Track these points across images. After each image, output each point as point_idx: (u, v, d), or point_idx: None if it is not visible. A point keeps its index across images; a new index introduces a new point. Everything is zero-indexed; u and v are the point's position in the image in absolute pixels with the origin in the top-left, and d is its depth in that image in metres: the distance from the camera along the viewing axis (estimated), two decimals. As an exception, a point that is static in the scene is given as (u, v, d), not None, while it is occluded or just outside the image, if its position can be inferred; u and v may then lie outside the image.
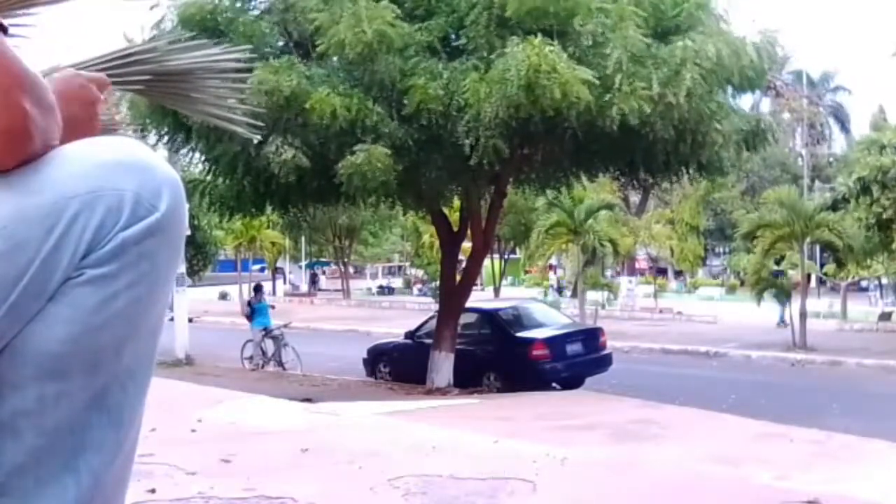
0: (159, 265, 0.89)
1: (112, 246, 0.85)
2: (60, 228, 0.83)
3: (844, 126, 50.90)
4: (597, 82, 9.45)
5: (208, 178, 12.37)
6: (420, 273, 39.43)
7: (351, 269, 41.03)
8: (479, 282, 24.37)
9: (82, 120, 1.02)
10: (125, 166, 0.87)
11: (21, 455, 0.84)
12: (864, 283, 34.01)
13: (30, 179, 0.85)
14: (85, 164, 0.87)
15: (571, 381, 13.01)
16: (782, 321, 20.99)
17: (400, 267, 47.37)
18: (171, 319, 15.05)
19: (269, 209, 13.45)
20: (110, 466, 0.89)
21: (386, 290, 41.88)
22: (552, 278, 38.47)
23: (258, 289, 18.02)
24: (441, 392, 12.10)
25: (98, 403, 0.87)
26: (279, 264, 39.10)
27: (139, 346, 0.90)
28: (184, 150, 12.11)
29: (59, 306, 0.84)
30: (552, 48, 9.32)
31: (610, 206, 24.47)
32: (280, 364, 15.73)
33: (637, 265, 39.15)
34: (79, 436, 0.86)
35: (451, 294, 13.40)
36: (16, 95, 0.84)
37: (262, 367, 15.92)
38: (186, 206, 0.93)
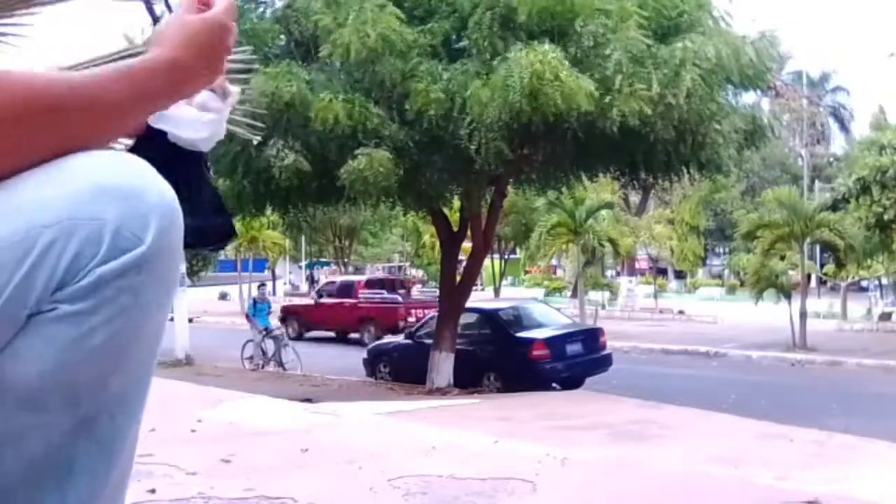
0: (143, 300, 0.82)
1: (87, 282, 0.79)
2: (33, 257, 0.78)
3: (844, 126, 50.97)
4: (596, 94, 9.45)
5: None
6: (420, 273, 39.42)
7: (351, 269, 40.99)
8: (479, 282, 24.38)
9: (203, 75, 0.95)
10: (109, 192, 0.80)
11: (4, 479, 0.82)
12: (864, 283, 33.99)
13: (5, 202, 0.80)
14: (66, 187, 0.80)
15: (571, 382, 13.01)
16: None
17: (400, 267, 47.36)
18: (171, 319, 15.07)
19: (269, 210, 13.46)
20: (100, 494, 0.86)
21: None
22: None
23: (262, 285, 18.11)
24: (441, 392, 12.10)
25: (85, 432, 0.84)
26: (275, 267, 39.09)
27: (127, 375, 0.85)
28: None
29: (32, 339, 0.79)
30: (555, 55, 9.33)
31: (610, 206, 24.48)
32: (280, 364, 15.75)
33: (637, 265, 39.13)
34: (64, 463, 0.83)
35: (452, 294, 13.40)
36: None
37: (263, 367, 15.94)
38: (181, 231, 0.85)
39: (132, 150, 1.00)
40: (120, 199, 0.80)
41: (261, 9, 11.72)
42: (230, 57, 1.01)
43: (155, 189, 0.83)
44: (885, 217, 17.74)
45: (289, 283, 43.74)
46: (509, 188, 13.98)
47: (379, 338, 17.50)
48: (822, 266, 32.79)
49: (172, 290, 0.88)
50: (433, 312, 14.52)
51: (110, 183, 0.81)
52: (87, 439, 0.84)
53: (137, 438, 0.91)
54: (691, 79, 9.62)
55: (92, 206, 0.79)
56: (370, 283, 24.39)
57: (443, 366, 12.61)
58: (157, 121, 1.02)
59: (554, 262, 35.90)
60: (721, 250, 47.44)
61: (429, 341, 13.21)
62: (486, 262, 21.97)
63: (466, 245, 14.41)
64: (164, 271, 0.84)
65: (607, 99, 9.61)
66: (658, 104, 9.65)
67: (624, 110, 9.48)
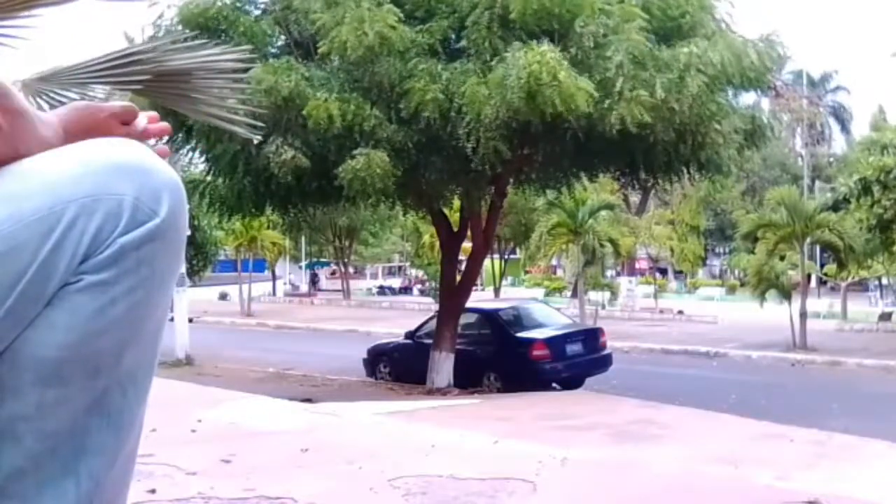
0: (159, 270, 0.87)
1: (111, 252, 0.83)
2: (58, 232, 0.82)
3: (844, 126, 50.95)
4: (596, 94, 9.43)
5: (208, 178, 12.38)
6: (420, 273, 39.39)
7: (351, 269, 40.98)
8: (479, 282, 24.36)
9: None
10: (125, 170, 0.86)
11: (21, 459, 0.84)
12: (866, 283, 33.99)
13: (27, 182, 0.84)
14: (84, 166, 0.86)
15: (571, 382, 13.01)
16: None
17: (400, 267, 47.36)
18: (171, 319, 15.05)
19: (269, 209, 13.46)
20: (110, 470, 0.88)
21: (397, 290, 41.93)
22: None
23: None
24: (441, 392, 12.11)
25: (98, 408, 0.86)
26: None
27: (140, 350, 0.89)
28: (184, 150, 12.11)
29: (58, 312, 0.83)
30: (554, 55, 9.30)
31: (611, 207, 24.46)
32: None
33: (637, 265, 39.10)
34: (79, 440, 0.86)
35: (452, 294, 13.40)
36: None
37: None
38: (187, 209, 0.91)
39: None
40: (136, 176, 0.86)
41: (259, 10, 11.72)
42: (228, 56, 1.05)
43: (164, 167, 0.89)
44: (886, 217, 17.72)
45: (289, 283, 43.75)
46: (509, 188, 13.98)
47: None
48: (822, 266, 32.78)
49: (180, 264, 0.93)
50: None
51: (126, 162, 0.87)
52: (99, 415, 0.86)
53: (144, 420, 0.93)
54: (697, 85, 9.59)
55: (111, 182, 0.84)
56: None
57: (443, 366, 12.61)
58: None
59: (554, 262, 35.88)
60: (721, 250, 47.44)
61: (429, 341, 13.20)
62: (486, 262, 21.95)
63: (466, 245, 14.42)
64: (176, 244, 0.89)
65: (607, 103, 9.59)
66: (660, 110, 9.62)
67: (623, 115, 9.46)
